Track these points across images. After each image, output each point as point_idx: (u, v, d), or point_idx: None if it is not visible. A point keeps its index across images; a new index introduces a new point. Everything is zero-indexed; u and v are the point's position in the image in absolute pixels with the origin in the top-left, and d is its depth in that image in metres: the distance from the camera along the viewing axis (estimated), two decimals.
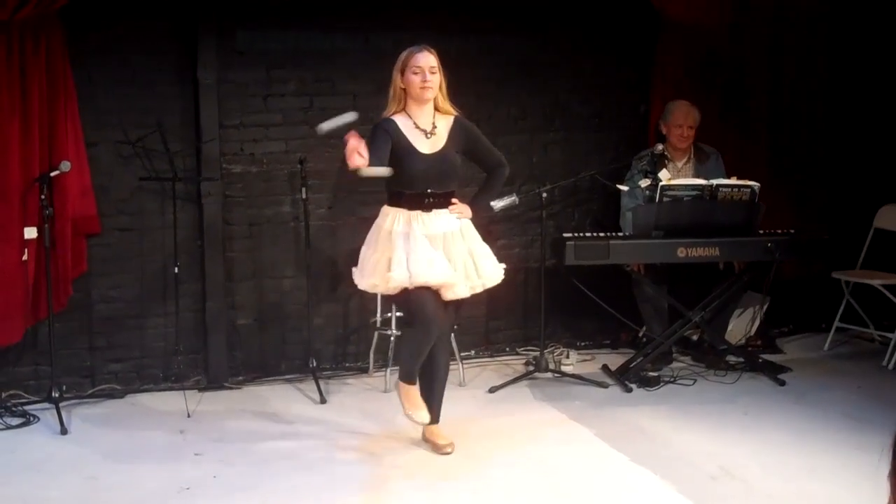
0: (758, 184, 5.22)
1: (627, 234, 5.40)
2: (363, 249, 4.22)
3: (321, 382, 5.19)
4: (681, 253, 5.21)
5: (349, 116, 3.95)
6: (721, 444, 4.34)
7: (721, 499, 3.77)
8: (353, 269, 4.28)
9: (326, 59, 5.45)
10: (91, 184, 5.01)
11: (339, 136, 3.93)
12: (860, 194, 6.22)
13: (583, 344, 6.11)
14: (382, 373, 5.33)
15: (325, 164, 5.47)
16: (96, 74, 5.04)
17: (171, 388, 5.21)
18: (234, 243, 5.39)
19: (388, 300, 4.77)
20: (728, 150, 5.87)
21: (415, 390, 4.17)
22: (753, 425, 4.63)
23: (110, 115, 5.09)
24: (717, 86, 6.08)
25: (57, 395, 4.73)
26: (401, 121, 4.14)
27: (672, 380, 5.35)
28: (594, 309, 5.47)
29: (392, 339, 5.25)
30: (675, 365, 5.64)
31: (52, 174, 4.67)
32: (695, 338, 5.89)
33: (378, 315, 5.41)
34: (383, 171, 3.93)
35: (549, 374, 5.41)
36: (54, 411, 4.65)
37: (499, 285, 4.34)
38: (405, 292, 4.06)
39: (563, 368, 5.58)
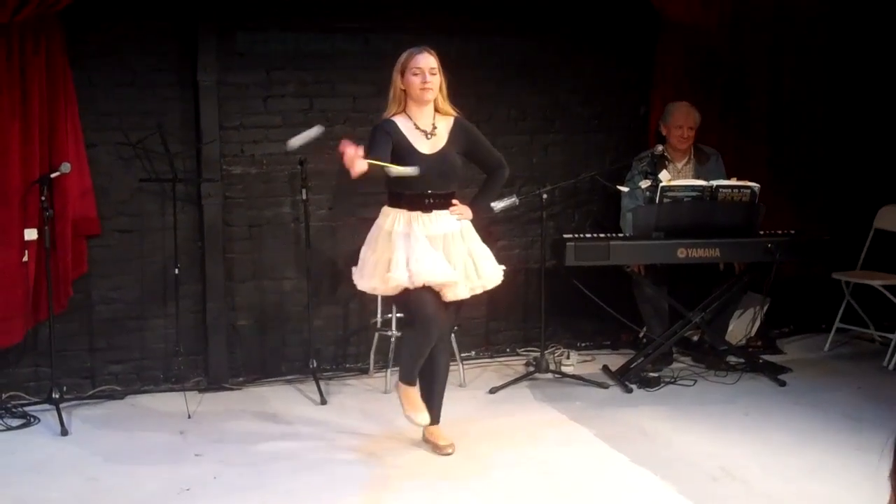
0: (758, 185, 5.22)
1: (628, 234, 5.40)
2: (363, 250, 4.22)
3: (321, 383, 5.19)
4: (681, 254, 5.21)
5: (315, 130, 3.93)
6: (721, 445, 4.34)
7: (721, 499, 3.77)
8: (353, 269, 4.28)
9: (326, 61, 5.45)
10: (91, 185, 5.01)
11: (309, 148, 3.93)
12: (860, 195, 6.22)
13: (583, 345, 6.11)
14: (383, 374, 5.33)
15: (324, 165, 5.46)
16: (96, 76, 5.05)
17: (171, 389, 5.21)
18: (235, 244, 5.40)
19: (389, 301, 4.77)
20: (728, 150, 5.87)
21: (415, 391, 4.17)
22: (754, 426, 4.63)
23: (110, 117, 5.09)
24: (717, 86, 6.08)
25: (57, 396, 4.73)
26: (401, 122, 4.14)
27: (672, 380, 5.35)
28: (594, 310, 5.47)
29: (392, 340, 5.25)
30: (675, 366, 5.64)
31: (53, 176, 4.67)
32: (695, 338, 5.89)
33: (378, 316, 5.41)
34: (411, 170, 3.92)
35: (549, 375, 5.41)
36: (55, 412, 4.66)
37: (499, 286, 4.34)
38: (405, 293, 4.06)
39: (564, 369, 5.58)
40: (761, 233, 5.32)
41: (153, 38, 5.13)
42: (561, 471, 4.09)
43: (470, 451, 4.29)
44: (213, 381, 5.31)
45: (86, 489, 3.92)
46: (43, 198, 4.60)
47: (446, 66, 4.17)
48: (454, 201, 4.20)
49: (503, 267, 4.32)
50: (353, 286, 4.35)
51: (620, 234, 5.46)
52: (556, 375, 5.45)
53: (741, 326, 5.82)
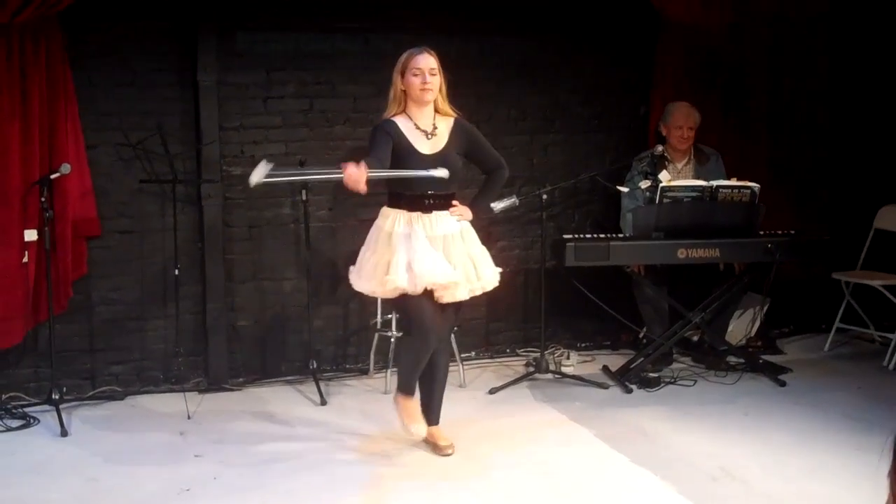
0: (758, 185, 5.21)
1: (627, 235, 5.40)
2: (362, 251, 4.20)
3: (321, 384, 5.19)
4: (681, 254, 5.21)
5: (263, 165, 3.73)
6: (721, 445, 4.34)
7: (721, 499, 3.77)
8: (350, 269, 4.27)
9: (326, 61, 5.45)
10: (91, 186, 5.01)
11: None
12: (860, 195, 6.22)
13: (583, 345, 6.11)
14: (383, 374, 5.33)
15: (325, 165, 5.46)
16: (96, 77, 5.05)
17: (171, 390, 5.21)
18: (235, 245, 5.39)
19: (388, 302, 4.77)
20: (728, 150, 5.87)
21: (413, 403, 4.18)
22: (754, 426, 4.63)
23: (110, 118, 5.09)
24: (717, 86, 6.08)
25: (57, 396, 4.73)
26: (401, 122, 4.13)
27: (672, 381, 5.35)
28: (594, 310, 5.47)
29: (392, 340, 5.25)
30: (675, 366, 5.64)
31: (53, 176, 4.67)
32: (695, 339, 5.89)
33: (378, 317, 5.41)
34: (441, 172, 3.91)
35: (549, 376, 5.41)
36: (54, 413, 4.66)
37: (499, 287, 4.34)
38: (402, 297, 4.06)
39: (564, 369, 5.59)
40: (761, 233, 5.32)
41: (153, 38, 5.13)
42: (561, 471, 4.09)
43: (470, 452, 4.29)
44: (213, 382, 5.31)
45: (86, 490, 3.92)
46: (43, 199, 4.60)
47: (446, 66, 4.17)
48: (454, 202, 4.19)
49: (499, 269, 4.32)
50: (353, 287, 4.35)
51: (620, 235, 5.46)
52: (556, 376, 5.45)
53: (741, 327, 5.82)
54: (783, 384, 5.28)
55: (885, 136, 6.26)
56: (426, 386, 4.27)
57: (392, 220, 4.10)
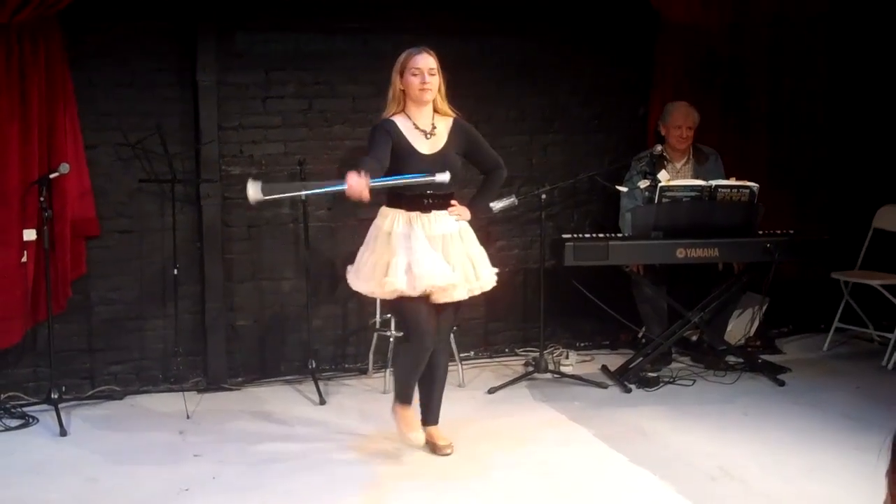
0: (757, 185, 5.21)
1: (626, 234, 5.40)
2: (360, 250, 4.19)
3: (320, 384, 5.19)
4: (680, 254, 5.21)
5: (252, 184, 3.81)
6: (720, 445, 4.34)
7: (720, 499, 3.77)
8: (348, 268, 4.27)
9: (326, 61, 5.45)
10: (90, 186, 5.01)
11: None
12: (859, 195, 6.22)
13: (582, 345, 6.11)
14: (382, 374, 5.33)
15: (324, 165, 5.47)
16: (95, 76, 5.05)
17: (170, 390, 5.21)
18: (234, 245, 5.40)
19: (385, 302, 4.77)
20: (728, 150, 5.87)
21: (411, 412, 4.20)
22: (753, 426, 4.63)
23: (109, 118, 5.09)
24: (717, 86, 6.08)
25: (56, 396, 4.73)
26: (400, 122, 4.13)
27: (671, 380, 5.35)
28: (593, 310, 5.47)
29: (391, 340, 5.25)
30: (674, 365, 5.64)
31: (52, 176, 4.67)
32: (694, 338, 5.89)
33: (377, 316, 5.41)
34: (442, 177, 3.92)
35: (548, 375, 5.41)
36: (54, 413, 4.65)
37: (498, 286, 4.34)
38: (399, 300, 4.06)
39: (563, 369, 5.59)
40: (760, 233, 5.32)
41: (152, 38, 5.13)
42: (560, 471, 4.09)
43: (469, 452, 4.29)
44: (212, 382, 5.31)
45: (85, 490, 3.92)
46: (42, 198, 4.60)
47: (446, 66, 4.16)
48: (453, 202, 4.19)
49: (496, 269, 4.32)
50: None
51: (619, 234, 5.46)
52: (555, 375, 5.45)
53: (740, 326, 5.83)
54: (782, 384, 5.28)
55: (885, 136, 6.26)
56: (426, 386, 4.27)
57: (391, 220, 4.10)
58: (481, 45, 5.72)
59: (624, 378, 5.32)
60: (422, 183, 3.96)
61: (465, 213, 4.23)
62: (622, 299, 5.59)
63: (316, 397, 5.07)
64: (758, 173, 5.58)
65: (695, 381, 5.37)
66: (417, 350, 4.09)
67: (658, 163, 5.46)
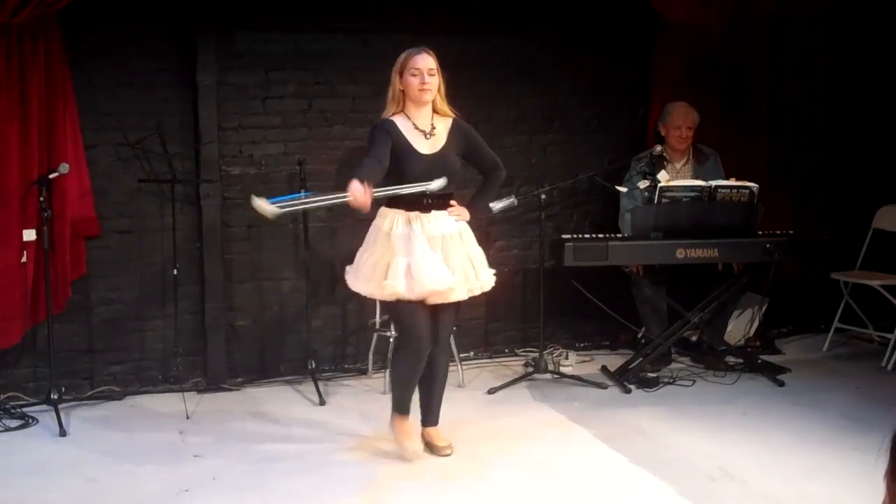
0: (756, 185, 5.22)
1: (626, 235, 5.39)
2: (360, 251, 4.19)
3: (320, 384, 5.19)
4: (679, 254, 5.21)
5: (261, 201, 3.73)
6: (720, 445, 4.34)
7: (720, 500, 3.77)
8: (347, 268, 4.26)
9: (325, 61, 5.45)
10: (90, 186, 5.01)
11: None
12: (859, 195, 6.22)
13: (582, 345, 6.12)
14: (381, 374, 5.33)
15: (323, 165, 5.47)
16: (95, 76, 5.05)
17: (170, 390, 5.21)
18: (233, 245, 5.39)
19: (383, 304, 4.76)
20: (727, 150, 5.87)
21: (409, 423, 4.22)
22: (752, 426, 4.63)
23: (109, 118, 5.09)
24: (717, 86, 6.08)
25: (56, 396, 4.73)
26: (400, 122, 4.13)
27: (671, 381, 5.35)
28: (593, 310, 5.47)
29: (391, 340, 5.25)
30: (674, 366, 5.64)
31: (51, 176, 4.67)
32: (694, 339, 5.89)
33: (377, 316, 5.41)
34: (438, 183, 3.92)
35: (548, 376, 5.41)
36: (53, 413, 4.65)
37: (498, 287, 4.34)
38: (397, 303, 4.05)
39: (562, 369, 5.59)
40: (760, 233, 5.32)
41: (152, 38, 5.13)
42: (560, 471, 4.09)
43: (469, 452, 4.29)
44: (212, 382, 5.31)
45: (85, 490, 3.92)
46: (41, 198, 4.60)
47: (445, 66, 4.16)
48: (452, 202, 4.19)
49: (493, 271, 4.31)
50: None
51: (619, 235, 5.46)
52: (555, 376, 5.45)
53: (740, 327, 5.83)
54: (782, 384, 5.28)
55: (885, 137, 6.26)
56: (426, 387, 4.27)
57: (390, 221, 4.09)
58: (481, 45, 5.72)
59: (624, 378, 5.32)
60: (416, 192, 3.95)
61: (465, 213, 4.23)
62: (622, 300, 5.59)
63: (316, 398, 5.07)
64: (758, 173, 5.58)
65: (694, 381, 5.37)
66: (412, 359, 4.11)
67: (658, 163, 5.46)
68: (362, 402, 5.10)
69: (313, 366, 5.25)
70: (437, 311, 4.13)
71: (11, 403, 4.84)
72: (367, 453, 4.31)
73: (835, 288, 6.00)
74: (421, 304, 4.04)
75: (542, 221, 5.39)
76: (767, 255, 5.23)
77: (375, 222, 4.17)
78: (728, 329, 5.80)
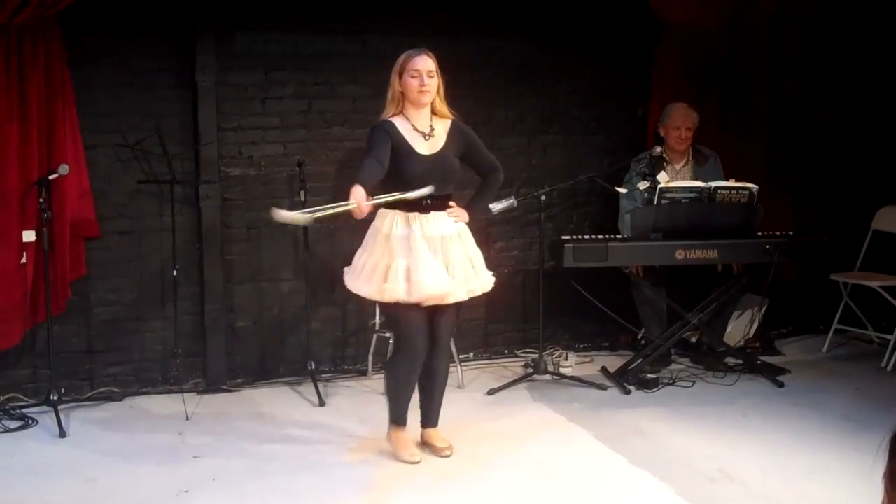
0: (756, 186, 5.22)
1: (626, 236, 5.39)
2: (358, 252, 4.18)
3: (320, 385, 5.19)
4: (679, 255, 5.21)
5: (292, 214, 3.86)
6: (720, 446, 4.34)
7: (720, 500, 3.77)
8: (345, 269, 4.26)
9: (325, 62, 5.45)
10: (89, 187, 5.01)
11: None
12: (859, 196, 6.22)
13: (581, 346, 6.11)
14: (381, 375, 5.32)
15: (323, 166, 5.47)
16: (95, 77, 5.04)
17: (169, 391, 5.20)
18: (233, 246, 5.39)
19: (382, 305, 4.76)
20: (727, 151, 5.87)
21: (406, 434, 4.24)
22: (752, 427, 4.63)
23: (109, 118, 5.09)
24: (717, 87, 6.08)
25: (55, 398, 4.72)
26: (399, 123, 4.13)
27: (671, 381, 5.35)
28: (593, 311, 5.47)
29: (391, 341, 5.24)
30: (673, 367, 5.64)
31: (51, 177, 4.67)
32: (693, 340, 5.89)
33: (377, 318, 5.41)
34: (425, 191, 3.95)
35: (547, 377, 5.41)
36: (53, 414, 4.65)
37: (497, 288, 4.34)
38: (395, 307, 4.05)
39: (562, 370, 5.58)
40: (759, 234, 5.32)
41: (152, 39, 5.13)
42: (560, 472, 4.09)
43: (469, 453, 4.29)
44: (212, 383, 5.31)
45: (84, 491, 3.91)
46: (41, 199, 4.60)
47: (445, 67, 4.16)
48: (451, 203, 4.19)
49: (492, 272, 4.31)
50: None
51: (619, 236, 5.46)
52: (555, 377, 5.45)
53: (739, 328, 5.82)
54: (781, 385, 5.28)
55: (885, 137, 6.26)
56: (426, 389, 4.28)
57: (390, 222, 4.09)
58: (481, 46, 5.72)
59: (623, 379, 5.31)
60: (410, 199, 3.95)
61: (464, 214, 4.22)
62: (621, 301, 5.58)
63: (315, 399, 5.07)
64: (757, 174, 5.58)
65: (694, 382, 5.37)
66: (407, 367, 4.12)
67: (657, 164, 5.46)
68: (362, 403, 5.10)
69: (313, 367, 5.25)
70: (437, 314, 4.13)
71: (11, 404, 4.84)
72: (366, 454, 4.31)
73: (834, 289, 6.00)
74: (420, 307, 4.04)
75: (541, 222, 5.38)
76: (767, 256, 5.23)
77: (374, 223, 4.16)
78: (728, 330, 5.80)
